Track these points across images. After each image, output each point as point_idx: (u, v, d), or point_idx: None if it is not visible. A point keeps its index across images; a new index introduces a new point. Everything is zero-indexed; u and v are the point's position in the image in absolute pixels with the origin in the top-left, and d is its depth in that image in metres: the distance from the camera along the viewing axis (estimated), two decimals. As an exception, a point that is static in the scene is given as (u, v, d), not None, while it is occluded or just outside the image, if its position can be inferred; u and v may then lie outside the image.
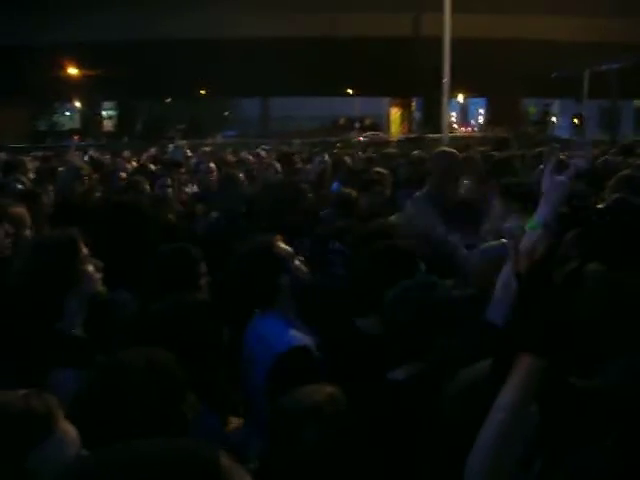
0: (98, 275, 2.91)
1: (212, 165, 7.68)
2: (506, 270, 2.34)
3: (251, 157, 9.03)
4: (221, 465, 1.00)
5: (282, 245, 3.26)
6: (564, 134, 39.49)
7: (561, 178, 1.90)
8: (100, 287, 2.93)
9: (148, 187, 5.85)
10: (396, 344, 2.60)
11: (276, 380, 2.66)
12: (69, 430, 1.49)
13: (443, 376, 2.34)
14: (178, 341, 2.26)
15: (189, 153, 8.08)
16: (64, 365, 2.44)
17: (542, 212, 1.93)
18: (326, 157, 8.19)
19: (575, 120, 38.22)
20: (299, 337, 2.94)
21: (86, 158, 11.70)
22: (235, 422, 2.64)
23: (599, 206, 1.59)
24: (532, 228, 1.93)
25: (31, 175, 6.71)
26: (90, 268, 2.86)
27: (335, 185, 6.97)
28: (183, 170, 7.39)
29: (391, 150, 9.77)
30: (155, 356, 1.96)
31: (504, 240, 3.19)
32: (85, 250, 2.87)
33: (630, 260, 1.61)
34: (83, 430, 1.76)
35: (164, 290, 2.86)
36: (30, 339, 2.57)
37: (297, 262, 3.27)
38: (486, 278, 2.80)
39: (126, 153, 13.69)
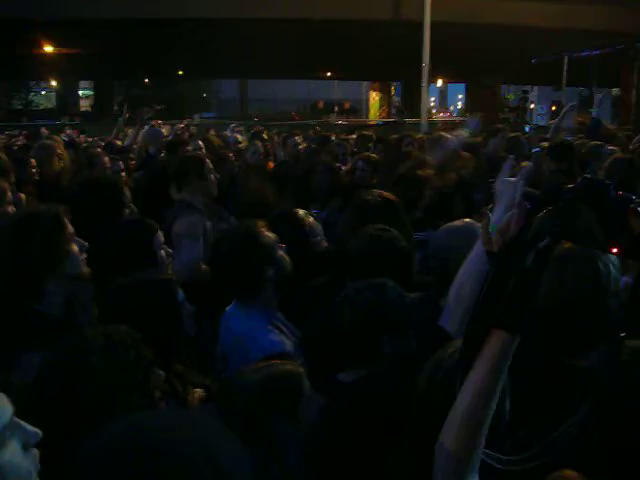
0: (82, 256, 2.82)
1: (200, 143, 7.64)
2: (459, 279, 2.35)
3: (239, 136, 8.98)
4: None
5: (267, 233, 3.13)
6: (542, 121, 39.67)
7: (512, 179, 1.99)
8: (84, 268, 2.83)
9: (107, 160, 5.72)
10: (342, 345, 2.57)
11: None
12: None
13: (391, 379, 2.35)
14: (140, 321, 2.20)
15: (165, 133, 7.99)
16: (37, 349, 2.33)
17: (496, 214, 2.01)
18: (298, 139, 8.15)
19: (554, 107, 38.42)
20: (278, 341, 2.83)
21: (65, 138, 11.59)
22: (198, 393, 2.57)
23: (569, 186, 1.62)
24: (493, 230, 2.01)
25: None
26: (75, 248, 2.76)
27: None
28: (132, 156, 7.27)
29: (367, 132, 9.77)
30: (116, 333, 1.93)
31: (467, 220, 3.23)
32: (71, 229, 2.77)
33: (594, 238, 1.64)
34: (46, 412, 1.73)
35: (120, 263, 2.79)
36: (5, 320, 2.49)
37: (280, 252, 3.14)
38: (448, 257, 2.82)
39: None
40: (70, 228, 2.76)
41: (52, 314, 2.63)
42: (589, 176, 1.63)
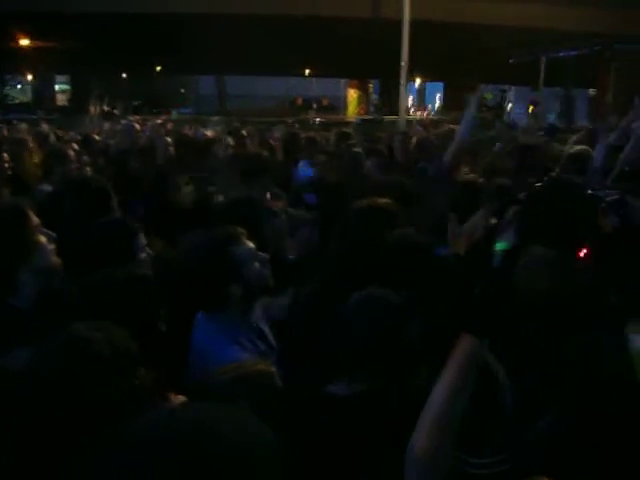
0: (51, 246, 2.80)
1: (168, 139, 7.50)
2: None
3: (208, 132, 8.91)
4: None
5: (244, 243, 2.95)
6: (519, 121, 39.90)
7: None
8: (54, 259, 2.80)
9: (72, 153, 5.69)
10: (345, 357, 2.48)
11: None
12: None
13: (387, 397, 2.28)
14: (113, 316, 2.14)
15: (138, 128, 7.91)
16: (23, 344, 2.24)
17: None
18: (276, 134, 8.13)
19: (531, 107, 38.68)
20: (237, 357, 2.65)
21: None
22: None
23: (536, 185, 1.59)
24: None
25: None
26: (42, 239, 2.74)
27: (304, 165, 6.94)
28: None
29: (347, 130, 9.70)
30: (111, 330, 1.89)
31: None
32: (36, 220, 2.74)
33: (564, 238, 1.61)
34: (43, 402, 1.70)
35: (99, 263, 2.74)
36: None
37: (257, 265, 2.95)
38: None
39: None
40: (35, 220, 2.74)
41: (26, 308, 2.59)
42: (555, 174, 1.61)
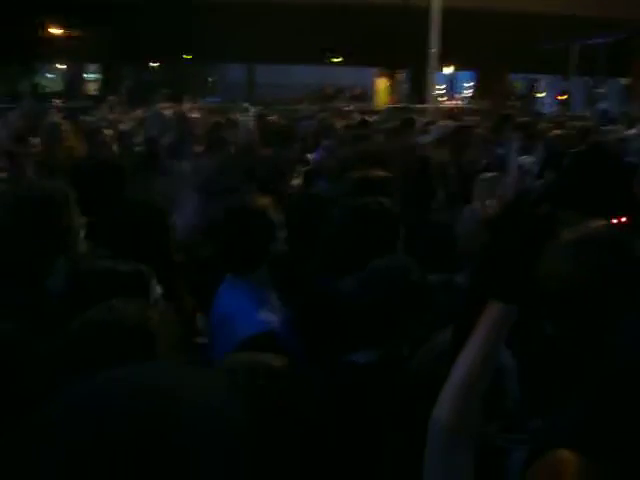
0: (82, 233, 2.81)
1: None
2: None
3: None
4: None
5: (273, 212, 3.10)
6: (548, 110, 39.54)
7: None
8: (82, 245, 2.82)
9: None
10: (359, 326, 2.48)
11: None
12: None
13: (404, 363, 2.26)
14: None
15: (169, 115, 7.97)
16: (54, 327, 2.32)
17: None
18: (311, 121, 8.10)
19: (564, 96, 38.29)
20: (266, 320, 2.75)
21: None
22: None
23: (573, 150, 1.54)
24: None
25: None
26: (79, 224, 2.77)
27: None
28: None
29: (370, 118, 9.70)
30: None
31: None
32: (76, 206, 2.77)
33: (597, 205, 1.56)
34: None
35: (131, 245, 2.74)
36: (20, 297, 2.47)
37: (282, 233, 3.10)
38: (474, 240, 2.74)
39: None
40: (75, 205, 2.76)
41: (59, 291, 2.58)
42: (596, 141, 1.57)
